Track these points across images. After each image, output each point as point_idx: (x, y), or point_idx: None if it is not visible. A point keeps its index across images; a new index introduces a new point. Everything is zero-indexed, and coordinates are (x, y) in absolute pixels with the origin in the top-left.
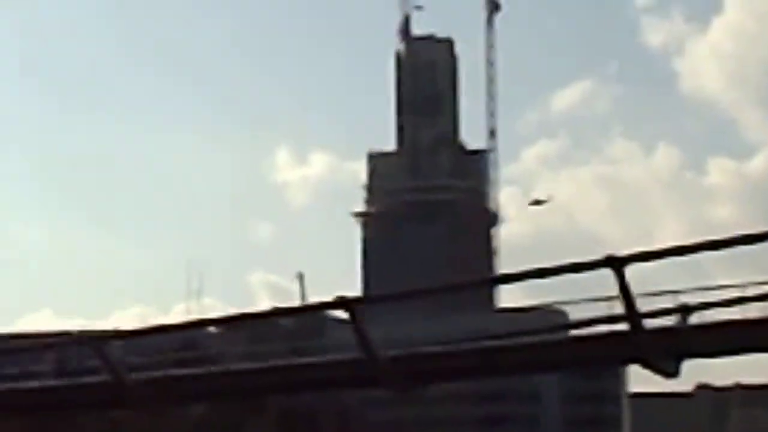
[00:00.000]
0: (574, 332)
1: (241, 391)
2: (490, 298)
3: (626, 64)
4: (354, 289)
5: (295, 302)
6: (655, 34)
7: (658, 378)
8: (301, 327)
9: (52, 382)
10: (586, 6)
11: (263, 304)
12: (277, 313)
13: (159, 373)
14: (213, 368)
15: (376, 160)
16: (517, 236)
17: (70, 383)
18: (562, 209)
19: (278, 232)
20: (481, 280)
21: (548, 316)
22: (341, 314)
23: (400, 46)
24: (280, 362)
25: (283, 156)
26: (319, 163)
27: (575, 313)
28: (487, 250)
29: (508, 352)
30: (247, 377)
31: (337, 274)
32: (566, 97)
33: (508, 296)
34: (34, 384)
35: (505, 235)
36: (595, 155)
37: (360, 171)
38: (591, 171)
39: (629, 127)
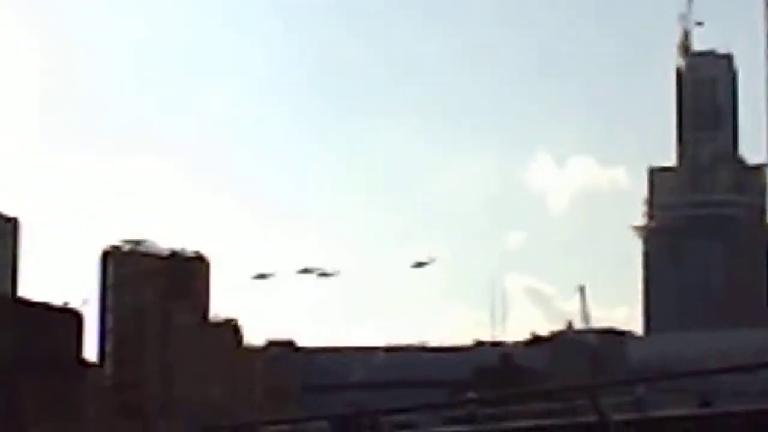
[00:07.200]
0: None
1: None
2: None
3: None
4: (634, 301)
5: (571, 313)
6: None
7: None
8: (604, 343)
9: (542, 422)
10: None
11: (522, 307)
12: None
13: (639, 414)
14: (687, 411)
15: (656, 174)
16: None
17: (560, 423)
18: None
19: (535, 238)
20: None
21: None
22: (639, 331)
23: (681, 62)
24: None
25: (542, 162)
26: (578, 170)
27: None
28: (766, 265)
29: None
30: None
31: (607, 284)
32: None
33: None
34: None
35: None
36: None
37: (619, 179)
38: None
39: None
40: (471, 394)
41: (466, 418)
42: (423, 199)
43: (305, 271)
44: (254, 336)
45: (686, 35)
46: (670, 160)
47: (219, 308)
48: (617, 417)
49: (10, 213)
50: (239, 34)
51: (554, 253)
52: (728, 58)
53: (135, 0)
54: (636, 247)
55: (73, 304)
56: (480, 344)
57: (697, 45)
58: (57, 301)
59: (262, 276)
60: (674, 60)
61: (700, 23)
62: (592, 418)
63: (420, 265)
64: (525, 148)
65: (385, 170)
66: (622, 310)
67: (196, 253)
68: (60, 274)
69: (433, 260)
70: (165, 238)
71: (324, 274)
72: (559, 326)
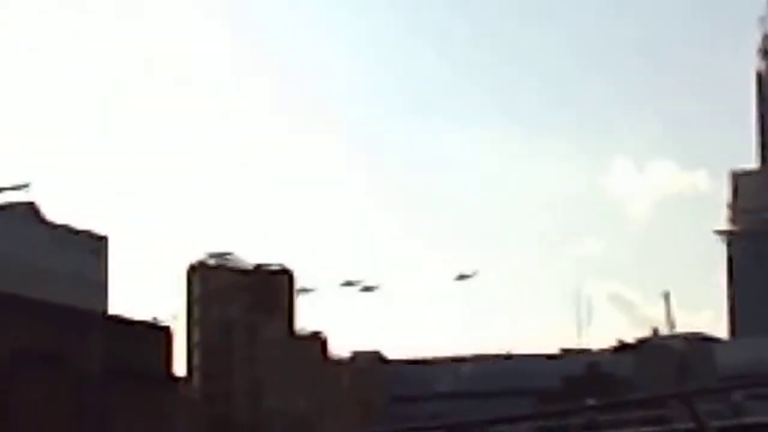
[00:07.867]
0: None
1: None
2: None
3: None
4: (719, 305)
5: (656, 319)
6: None
7: None
8: (691, 348)
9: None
10: None
11: (606, 314)
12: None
13: (737, 421)
14: None
15: (739, 178)
16: None
17: (658, 431)
18: None
19: (616, 244)
20: None
21: None
22: (724, 335)
23: (761, 65)
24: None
25: (621, 166)
26: (658, 174)
27: None
28: None
29: None
30: None
31: (690, 289)
32: None
33: None
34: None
35: None
36: None
37: (700, 183)
38: None
39: None
40: (590, 401)
41: (571, 427)
42: (499, 206)
43: (348, 284)
44: (338, 348)
45: (766, 38)
46: (752, 163)
47: (304, 321)
48: (715, 424)
49: (101, 231)
50: (329, 32)
51: (636, 258)
52: None
53: None
54: (720, 251)
55: (161, 319)
56: (566, 352)
57: None
58: (145, 316)
59: (304, 290)
60: (754, 63)
61: None
62: (689, 425)
63: (463, 277)
64: (604, 153)
65: (457, 175)
66: (707, 314)
67: (281, 266)
68: (147, 290)
69: (475, 273)
70: (250, 251)
71: (367, 288)
72: (645, 332)
